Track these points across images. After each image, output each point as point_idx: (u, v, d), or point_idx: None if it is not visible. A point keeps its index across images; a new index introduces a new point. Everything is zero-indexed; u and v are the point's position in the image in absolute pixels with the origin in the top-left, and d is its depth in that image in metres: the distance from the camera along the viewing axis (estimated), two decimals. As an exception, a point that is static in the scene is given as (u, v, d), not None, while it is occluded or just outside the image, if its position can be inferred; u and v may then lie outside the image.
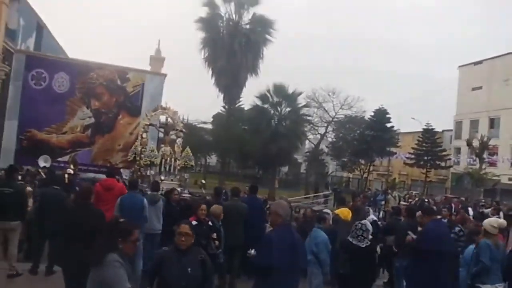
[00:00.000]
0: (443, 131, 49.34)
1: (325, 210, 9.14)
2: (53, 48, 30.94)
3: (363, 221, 6.59)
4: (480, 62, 44.72)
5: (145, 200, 7.69)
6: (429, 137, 42.84)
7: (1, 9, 20.61)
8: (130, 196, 7.73)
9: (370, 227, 6.47)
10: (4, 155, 23.25)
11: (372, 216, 9.73)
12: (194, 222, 5.84)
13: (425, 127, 43.62)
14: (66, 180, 17.23)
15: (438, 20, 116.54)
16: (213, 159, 47.01)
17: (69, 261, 5.48)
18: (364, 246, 6.20)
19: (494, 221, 6.55)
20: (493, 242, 6.17)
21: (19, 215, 7.43)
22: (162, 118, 18.55)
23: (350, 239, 6.31)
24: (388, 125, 40.19)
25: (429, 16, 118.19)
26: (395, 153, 40.67)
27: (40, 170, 17.55)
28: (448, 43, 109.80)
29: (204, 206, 7.00)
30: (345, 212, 9.28)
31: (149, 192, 8.95)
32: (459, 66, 47.13)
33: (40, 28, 28.30)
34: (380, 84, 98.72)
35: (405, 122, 67.56)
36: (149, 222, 7.86)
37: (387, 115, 40.07)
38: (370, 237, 6.43)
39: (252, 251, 4.62)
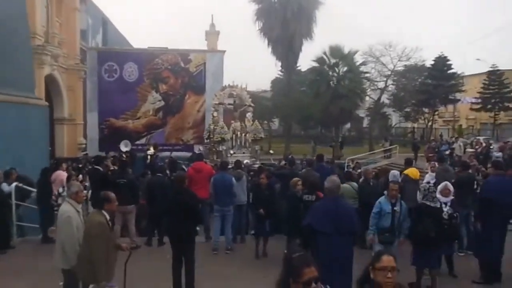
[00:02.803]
0: (513, 68, 46.76)
1: (393, 172, 9.84)
2: (118, 40, 33.16)
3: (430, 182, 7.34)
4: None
5: (233, 178, 9.10)
6: (495, 79, 41.02)
7: (74, 15, 22.62)
8: (221, 176, 9.11)
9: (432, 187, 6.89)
10: (90, 143, 26.02)
11: (429, 178, 9.77)
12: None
13: (490, 68, 41.73)
14: (149, 160, 19.50)
15: None
16: (275, 123, 48.17)
17: (173, 233, 6.91)
18: (439, 206, 6.58)
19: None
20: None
21: (133, 200, 9.13)
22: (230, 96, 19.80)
23: (427, 202, 6.51)
24: (450, 71, 39.03)
25: None
26: (459, 100, 39.57)
27: (122, 154, 19.68)
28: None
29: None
30: (413, 172, 9.60)
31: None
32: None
33: (105, 23, 30.45)
34: (442, 25, 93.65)
35: (471, 62, 64.33)
36: (237, 196, 9.32)
37: (448, 62, 38.84)
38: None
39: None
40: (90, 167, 13.91)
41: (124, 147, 21.24)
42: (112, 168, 11.27)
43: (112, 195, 5.29)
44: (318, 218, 5.36)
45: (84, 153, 23.76)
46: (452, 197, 6.86)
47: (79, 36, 23.73)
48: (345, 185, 8.85)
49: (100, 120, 27.03)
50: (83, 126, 25.19)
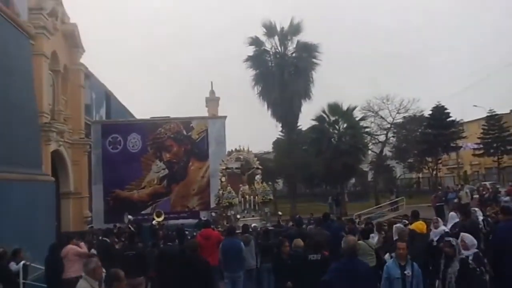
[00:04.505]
0: (511, 111, 47.46)
1: (398, 225, 9.77)
2: (121, 112, 34.05)
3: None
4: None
5: (242, 243, 9.09)
6: (494, 123, 41.55)
7: (80, 92, 23.49)
8: (229, 241, 9.13)
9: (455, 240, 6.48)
10: (95, 216, 25.97)
11: (443, 228, 9.32)
12: None
13: (488, 113, 42.38)
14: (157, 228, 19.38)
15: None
16: (279, 184, 48.22)
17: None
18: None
19: None
20: None
21: (143, 272, 9.04)
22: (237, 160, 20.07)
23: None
24: (448, 119, 39.59)
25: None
26: (461, 146, 39.82)
27: (129, 225, 19.65)
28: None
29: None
30: (419, 226, 9.35)
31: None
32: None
33: (108, 97, 31.42)
34: (436, 77, 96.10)
35: (470, 109, 65.18)
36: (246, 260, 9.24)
37: (446, 111, 39.50)
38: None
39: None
40: (95, 240, 13.84)
41: (126, 218, 21.29)
42: (116, 241, 11.24)
43: (121, 273, 5.08)
44: (338, 280, 5.34)
45: (90, 226, 23.68)
46: (475, 250, 6.25)
47: (83, 111, 24.47)
48: (360, 242, 8.79)
49: (105, 192, 27.18)
50: (89, 199, 25.26)
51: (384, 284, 5.93)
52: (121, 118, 32.06)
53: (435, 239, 8.54)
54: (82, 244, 10.42)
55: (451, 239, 6.59)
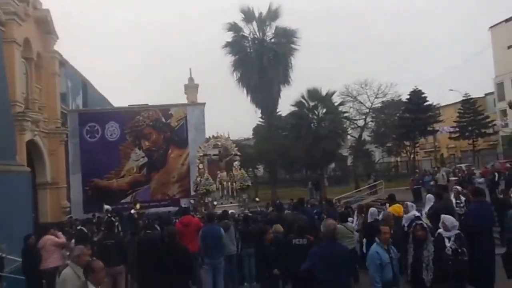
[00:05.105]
0: (485, 95, 48.22)
1: (373, 209, 9.86)
2: (98, 100, 33.48)
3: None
4: (510, 19, 43.60)
5: (221, 229, 9.09)
6: (469, 107, 42.29)
7: (54, 80, 22.95)
8: (209, 228, 9.10)
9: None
10: (74, 206, 25.65)
11: (413, 213, 9.05)
12: None
13: (463, 97, 43.11)
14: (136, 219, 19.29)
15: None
16: (260, 170, 48.29)
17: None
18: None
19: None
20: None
21: (122, 261, 8.99)
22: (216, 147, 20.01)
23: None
24: (426, 104, 40.14)
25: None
26: (438, 130, 40.45)
27: (109, 214, 19.50)
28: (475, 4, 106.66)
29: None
30: (397, 209, 9.33)
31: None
32: (490, 27, 45.97)
33: (84, 85, 30.82)
34: (415, 61, 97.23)
35: (446, 93, 66.31)
36: (226, 246, 9.26)
37: (423, 95, 40.03)
38: None
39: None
40: (74, 231, 13.67)
41: (104, 209, 21.15)
42: (95, 230, 11.16)
43: (97, 264, 4.95)
44: (318, 264, 5.38)
45: (69, 216, 23.39)
46: (457, 231, 6.28)
47: (59, 100, 23.95)
48: (339, 226, 8.89)
49: (83, 181, 26.89)
50: (67, 189, 24.90)
51: (377, 270, 5.64)
52: (98, 106, 31.54)
53: (406, 224, 8.52)
54: (60, 234, 10.30)
55: (422, 222, 6.70)
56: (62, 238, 10.11)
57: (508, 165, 20.04)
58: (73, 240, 11.88)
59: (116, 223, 15.42)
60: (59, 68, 24.07)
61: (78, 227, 12.90)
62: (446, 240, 6.22)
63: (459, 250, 6.08)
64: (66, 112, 26.22)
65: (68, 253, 8.93)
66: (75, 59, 29.07)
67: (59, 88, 24.17)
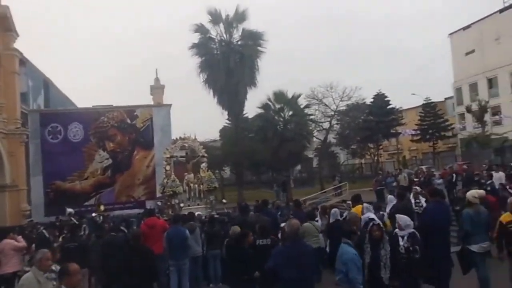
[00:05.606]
0: (445, 99, 49.99)
1: (334, 210, 10.06)
2: (61, 100, 32.72)
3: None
4: (468, 27, 45.37)
5: (187, 231, 9.11)
6: (429, 110, 43.77)
7: (14, 79, 22.25)
8: (174, 229, 9.11)
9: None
10: (35, 209, 24.90)
11: (367, 215, 8.65)
12: None
13: (424, 101, 44.54)
14: (101, 221, 18.96)
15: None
16: (226, 172, 48.29)
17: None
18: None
19: (474, 193, 7.84)
20: (474, 210, 7.47)
21: (85, 264, 8.85)
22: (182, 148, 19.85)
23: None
24: (389, 107, 41.26)
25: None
26: (400, 133, 41.63)
27: (72, 218, 19.09)
28: (435, 12, 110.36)
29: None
30: (360, 210, 9.35)
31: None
32: (450, 34, 47.69)
33: (46, 84, 30.04)
34: (377, 66, 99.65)
35: (408, 97, 68.37)
36: (191, 248, 9.29)
37: (386, 99, 41.15)
38: None
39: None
40: (35, 235, 13.33)
41: (67, 212, 20.71)
42: (57, 234, 10.95)
43: (73, 267, 4.76)
44: (282, 264, 5.48)
45: (29, 220, 22.69)
46: (411, 230, 6.52)
47: (19, 100, 23.22)
48: (307, 224, 9.09)
49: (45, 184, 26.15)
50: (27, 192, 24.17)
51: (358, 272, 5.60)
52: (61, 106, 30.81)
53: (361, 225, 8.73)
54: (19, 238, 10.06)
55: (378, 222, 6.94)
56: (22, 242, 9.87)
57: (465, 166, 20.86)
58: (33, 245, 11.62)
59: (84, 225, 15.22)
60: (19, 66, 23.35)
61: (39, 231, 12.62)
62: (400, 239, 6.45)
63: (411, 248, 6.31)
64: (27, 112, 25.47)
65: (28, 258, 8.75)
66: (37, 59, 28.29)
67: (19, 88, 23.44)
